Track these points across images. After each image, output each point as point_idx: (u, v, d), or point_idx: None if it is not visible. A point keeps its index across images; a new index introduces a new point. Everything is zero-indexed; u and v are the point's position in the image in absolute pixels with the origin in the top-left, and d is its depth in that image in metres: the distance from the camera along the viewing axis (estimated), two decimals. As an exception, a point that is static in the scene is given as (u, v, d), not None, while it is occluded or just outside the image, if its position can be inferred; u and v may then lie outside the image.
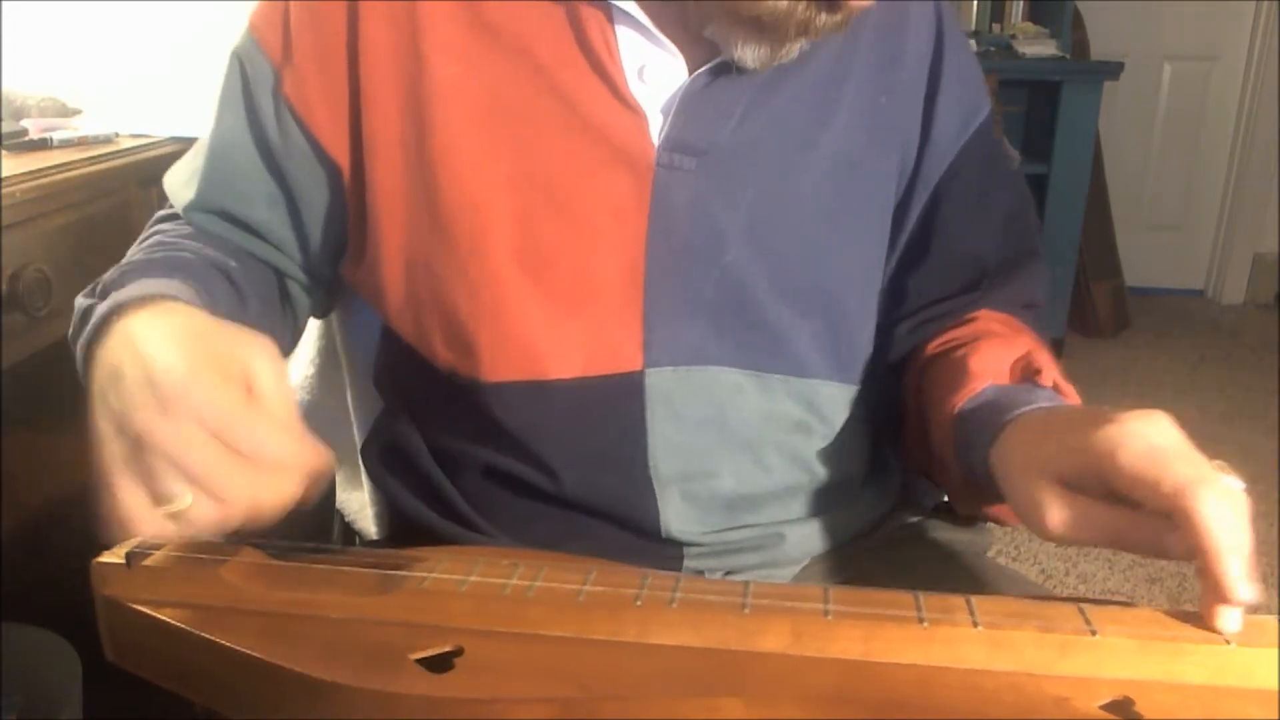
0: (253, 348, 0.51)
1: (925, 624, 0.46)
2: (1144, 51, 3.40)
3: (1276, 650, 0.43)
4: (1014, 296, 0.71)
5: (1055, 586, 1.93)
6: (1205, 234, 3.66)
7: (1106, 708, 0.43)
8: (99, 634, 0.55)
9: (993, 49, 2.92)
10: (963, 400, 0.62)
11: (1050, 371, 0.62)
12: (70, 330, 0.59)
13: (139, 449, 0.47)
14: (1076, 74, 2.81)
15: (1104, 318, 3.27)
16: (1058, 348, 3.03)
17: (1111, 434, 0.49)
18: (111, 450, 0.48)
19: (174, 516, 0.48)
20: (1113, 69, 2.81)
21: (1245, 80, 3.46)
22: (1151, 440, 0.48)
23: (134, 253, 0.66)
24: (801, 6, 0.54)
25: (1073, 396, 0.61)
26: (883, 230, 0.69)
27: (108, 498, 0.48)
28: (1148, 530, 0.48)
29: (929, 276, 0.71)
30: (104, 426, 0.49)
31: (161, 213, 0.72)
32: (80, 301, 0.60)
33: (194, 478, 0.47)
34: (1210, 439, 0.47)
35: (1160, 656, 0.44)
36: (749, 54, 0.57)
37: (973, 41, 2.89)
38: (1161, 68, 3.51)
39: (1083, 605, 0.47)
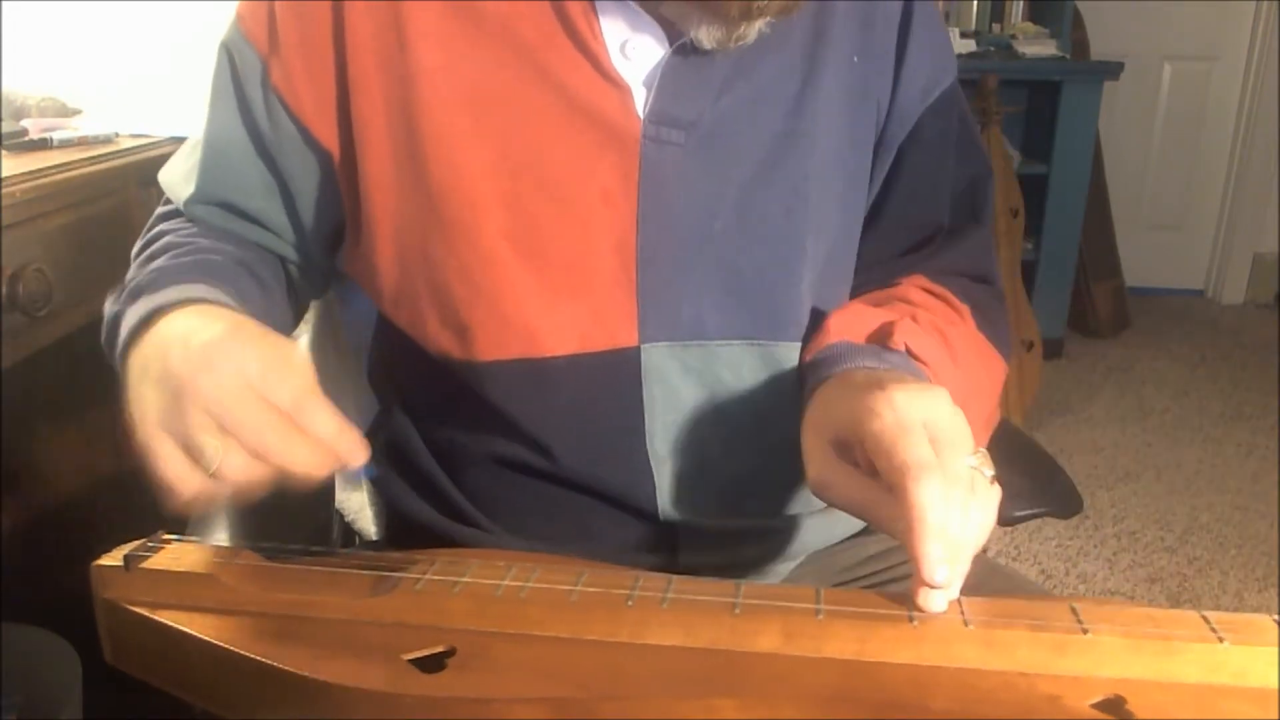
0: (290, 347, 0.54)
1: (915, 623, 0.46)
2: (1144, 51, 3.39)
3: (1275, 649, 0.43)
4: (951, 264, 0.71)
5: (1055, 586, 1.93)
6: (1205, 234, 3.66)
7: (1098, 706, 0.43)
8: (99, 635, 0.55)
9: (993, 49, 2.91)
10: (810, 354, 0.64)
11: (908, 338, 0.61)
12: (102, 336, 0.62)
13: (177, 403, 0.50)
14: (1076, 74, 2.80)
15: (1104, 318, 3.27)
16: (1058, 348, 3.03)
17: (872, 401, 0.49)
18: (151, 415, 0.51)
19: (208, 470, 0.49)
20: (1113, 69, 2.80)
21: (1245, 80, 3.46)
22: (903, 414, 0.48)
23: (145, 253, 0.67)
24: None
25: (926, 364, 0.61)
26: (864, 186, 0.69)
27: (150, 464, 0.50)
28: (886, 507, 0.48)
29: (878, 238, 0.71)
30: (145, 394, 0.51)
31: (161, 209, 0.72)
32: (109, 308, 0.62)
33: (229, 425, 0.49)
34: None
35: (1152, 655, 0.44)
36: (704, 34, 0.58)
37: (973, 41, 2.89)
38: (1161, 68, 3.51)
39: (1074, 604, 0.47)
